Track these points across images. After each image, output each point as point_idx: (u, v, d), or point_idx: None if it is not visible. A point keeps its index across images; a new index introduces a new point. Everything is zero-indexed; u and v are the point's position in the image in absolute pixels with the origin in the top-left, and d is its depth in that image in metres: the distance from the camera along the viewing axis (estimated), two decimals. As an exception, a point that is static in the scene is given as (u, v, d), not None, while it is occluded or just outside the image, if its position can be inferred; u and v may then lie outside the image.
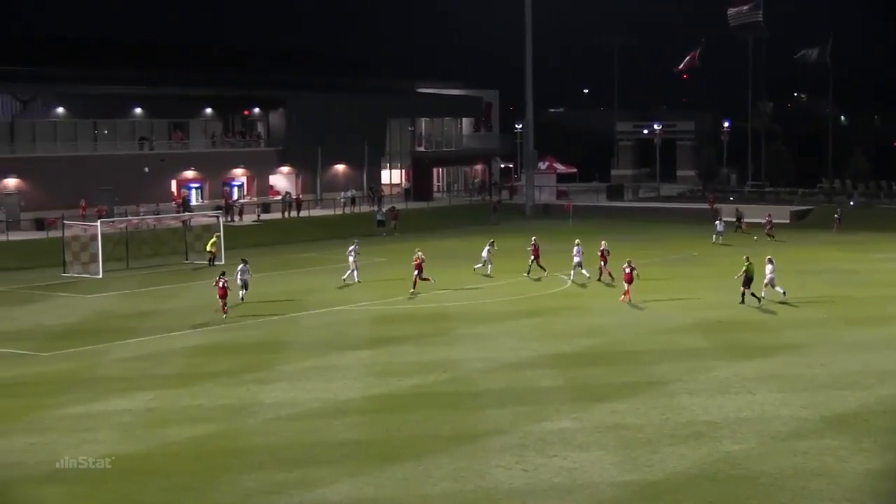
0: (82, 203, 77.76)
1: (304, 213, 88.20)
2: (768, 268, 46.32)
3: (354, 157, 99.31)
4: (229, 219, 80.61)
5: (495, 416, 28.37)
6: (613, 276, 51.06)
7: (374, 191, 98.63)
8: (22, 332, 41.52)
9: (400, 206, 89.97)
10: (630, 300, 46.16)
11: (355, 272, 53.02)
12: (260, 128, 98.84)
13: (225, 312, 43.68)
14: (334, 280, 54.00)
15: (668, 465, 24.36)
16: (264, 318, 44.04)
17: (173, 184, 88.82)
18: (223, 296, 43.69)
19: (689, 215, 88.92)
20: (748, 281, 45.53)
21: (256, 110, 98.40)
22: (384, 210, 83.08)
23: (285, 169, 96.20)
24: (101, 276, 56.18)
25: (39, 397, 31.05)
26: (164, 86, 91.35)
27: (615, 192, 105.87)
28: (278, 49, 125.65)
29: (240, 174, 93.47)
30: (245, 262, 47.80)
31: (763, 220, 74.46)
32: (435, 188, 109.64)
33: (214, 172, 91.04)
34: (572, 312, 44.45)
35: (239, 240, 62.17)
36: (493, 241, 56.73)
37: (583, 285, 51.35)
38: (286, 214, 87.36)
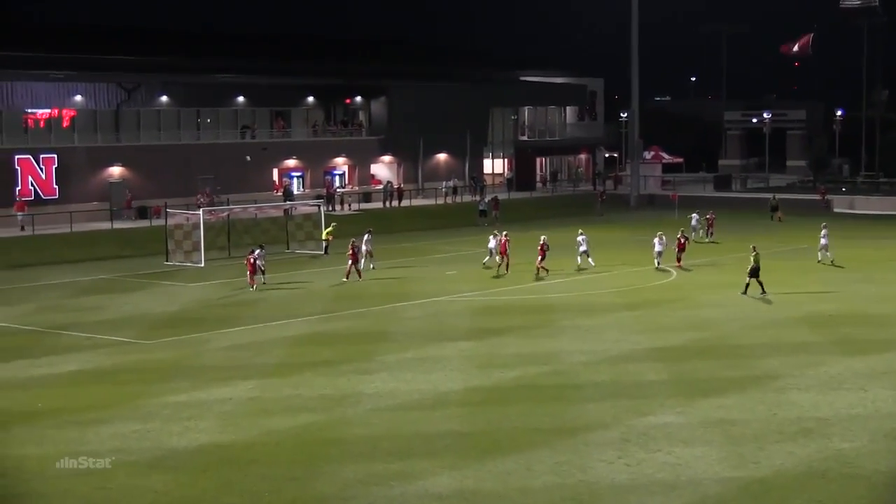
0: (206, 190, 79.40)
1: (405, 203, 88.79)
2: (823, 232, 52.22)
3: (456, 146, 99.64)
4: (330, 208, 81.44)
5: (598, 410, 28.24)
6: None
7: (476, 180, 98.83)
8: (125, 320, 42.37)
9: (502, 196, 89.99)
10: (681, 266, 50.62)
11: (371, 262, 54.09)
12: (361, 117, 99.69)
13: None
14: (435, 270, 54.22)
15: (775, 462, 24.02)
16: (365, 308, 44.37)
17: (275, 173, 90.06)
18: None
19: (799, 207, 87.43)
20: (754, 271, 45.35)
21: (358, 99, 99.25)
22: (486, 200, 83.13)
23: (387, 158, 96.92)
24: (202, 265, 57.05)
25: (142, 385, 31.66)
26: (265, 75, 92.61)
27: (722, 183, 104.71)
28: (380, 38, 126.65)
29: (341, 163, 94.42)
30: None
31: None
32: (538, 178, 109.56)
33: (316, 161, 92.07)
34: (678, 305, 44.06)
35: (340, 229, 62.60)
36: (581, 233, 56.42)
37: (687, 270, 50.83)
38: (387, 204, 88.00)
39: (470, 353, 35.38)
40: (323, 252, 60.11)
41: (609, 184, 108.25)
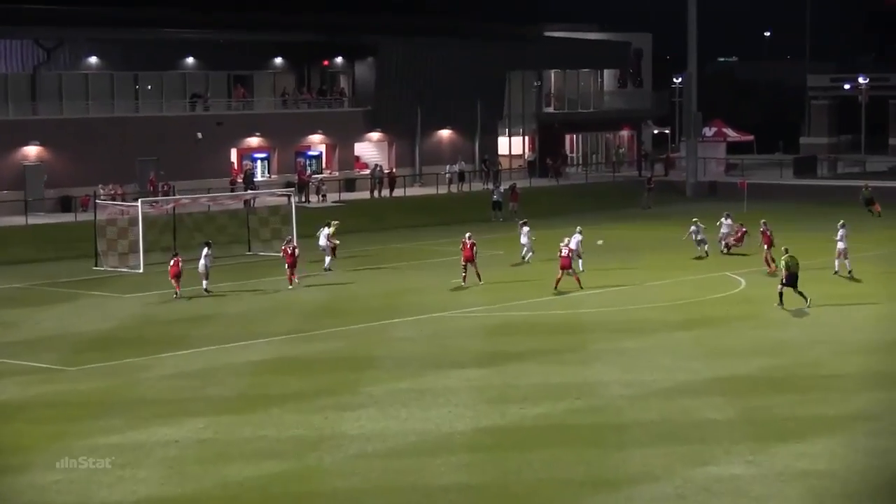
0: (151, 177, 79.47)
1: (398, 192, 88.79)
2: (840, 233, 51.17)
3: (464, 120, 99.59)
4: (303, 199, 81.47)
5: (645, 458, 28.22)
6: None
7: (489, 164, 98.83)
8: (44, 341, 42.36)
9: (522, 183, 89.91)
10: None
11: (328, 257, 56.22)
12: (343, 83, 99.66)
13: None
14: (436, 278, 54.22)
15: (873, 526, 24.04)
16: (347, 326, 44.37)
17: (233, 154, 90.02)
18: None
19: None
20: (790, 278, 45.51)
21: (339, 60, 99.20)
22: (502, 189, 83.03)
23: (375, 136, 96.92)
24: (142, 271, 57.08)
25: (65, 423, 31.64)
26: (221, 29, 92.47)
27: (805, 167, 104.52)
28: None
29: (317, 142, 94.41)
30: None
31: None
32: (568, 160, 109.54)
33: (285, 140, 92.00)
34: (746, 323, 44.02)
35: (315, 226, 62.55)
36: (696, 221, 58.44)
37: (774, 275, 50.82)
38: (376, 194, 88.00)
39: (481, 383, 35.36)
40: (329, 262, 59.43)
41: (658, 168, 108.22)
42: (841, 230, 52.56)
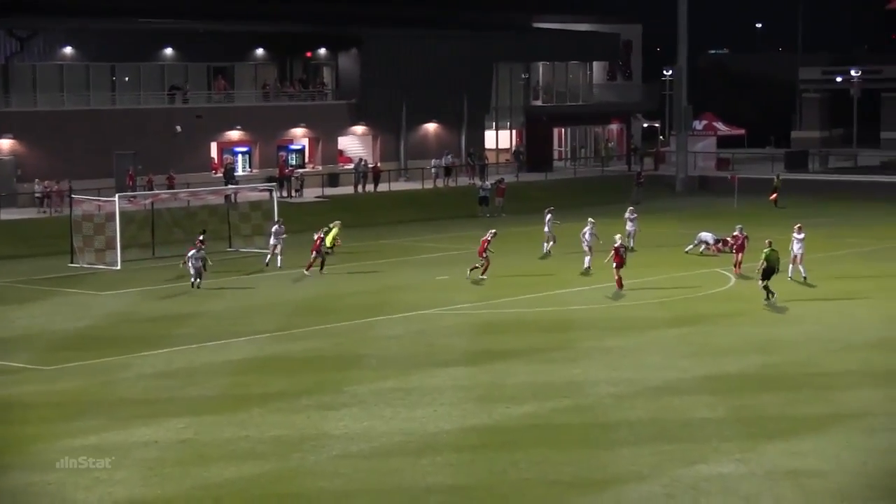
0: (130, 170, 79.31)
1: (382, 187, 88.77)
2: (798, 236, 50.49)
3: (450, 114, 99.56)
4: (285, 194, 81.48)
5: (633, 457, 28.34)
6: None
7: (476, 158, 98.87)
8: (19, 340, 42.36)
9: (509, 178, 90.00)
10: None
11: (279, 256, 56.52)
12: (326, 75, 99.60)
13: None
14: (422, 275, 54.33)
15: (865, 526, 24.21)
16: (331, 323, 44.45)
17: (213, 148, 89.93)
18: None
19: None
20: (768, 271, 45.99)
21: (322, 52, 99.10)
22: (488, 184, 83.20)
23: (359, 129, 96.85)
24: (119, 268, 57.08)
25: (41, 424, 31.65)
26: (201, 20, 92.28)
27: (797, 161, 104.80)
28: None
29: (300, 136, 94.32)
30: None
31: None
32: (556, 154, 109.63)
33: (267, 133, 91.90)
34: (736, 320, 44.18)
35: (299, 221, 62.68)
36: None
37: (747, 277, 50.96)
38: (360, 189, 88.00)
39: (467, 382, 35.46)
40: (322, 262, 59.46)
41: (648, 162, 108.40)
42: (798, 234, 51.32)
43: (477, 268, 52.81)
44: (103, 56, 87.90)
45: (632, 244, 58.13)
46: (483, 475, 27.28)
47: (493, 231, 54.04)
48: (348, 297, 49.91)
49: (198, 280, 50.67)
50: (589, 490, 26.17)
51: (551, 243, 59.62)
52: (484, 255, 52.51)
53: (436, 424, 31.19)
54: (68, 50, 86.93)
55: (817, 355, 38.59)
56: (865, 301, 47.19)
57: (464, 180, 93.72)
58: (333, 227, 57.90)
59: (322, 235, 54.86)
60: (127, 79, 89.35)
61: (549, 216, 59.81)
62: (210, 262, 51.92)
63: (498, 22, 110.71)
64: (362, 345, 40.94)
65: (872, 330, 42.14)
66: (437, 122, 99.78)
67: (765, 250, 46.37)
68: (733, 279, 52.52)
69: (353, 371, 37.03)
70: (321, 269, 54.18)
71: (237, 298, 49.98)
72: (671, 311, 45.93)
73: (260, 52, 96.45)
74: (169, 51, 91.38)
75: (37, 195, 76.05)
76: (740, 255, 52.89)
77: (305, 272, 54.20)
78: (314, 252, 54.09)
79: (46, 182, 76.18)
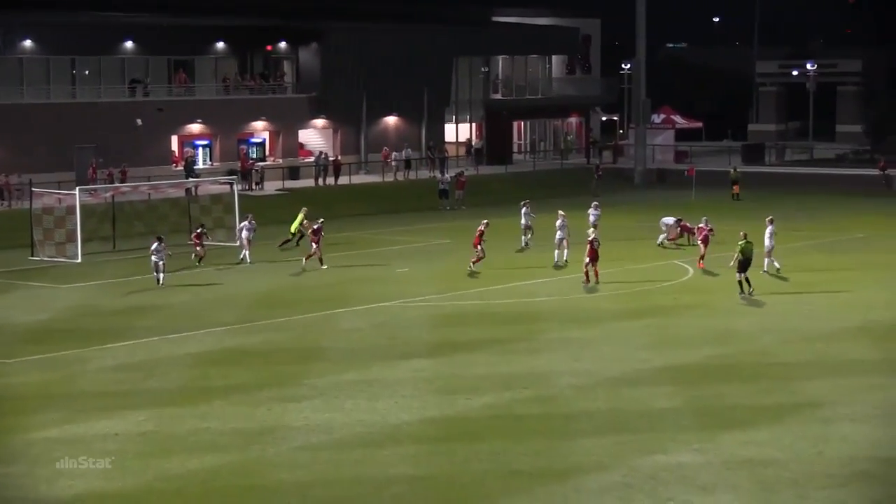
0: (93, 163, 78.94)
1: (343, 180, 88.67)
2: (769, 230, 50.36)
3: (410, 107, 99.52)
4: (246, 187, 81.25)
5: (593, 447, 28.45)
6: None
7: (436, 151, 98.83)
8: (-21, 333, 42.24)
9: (469, 171, 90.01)
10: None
11: (247, 252, 56.37)
12: (287, 68, 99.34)
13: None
14: (383, 267, 54.30)
15: (821, 514, 24.33)
16: (291, 316, 44.38)
17: (174, 141, 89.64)
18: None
19: (854, 184, 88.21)
20: (744, 263, 46.22)
21: (283, 45, 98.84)
22: (448, 177, 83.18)
23: (320, 122, 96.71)
24: (79, 261, 56.83)
25: (2, 417, 31.55)
26: (161, 13, 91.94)
27: (753, 154, 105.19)
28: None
29: (260, 129, 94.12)
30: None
31: None
32: (516, 148, 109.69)
33: (227, 127, 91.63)
34: (694, 311, 44.38)
35: (260, 214, 62.46)
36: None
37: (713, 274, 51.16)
38: (321, 182, 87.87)
39: (428, 374, 35.49)
40: (295, 244, 59.56)
41: (607, 156, 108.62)
42: (769, 227, 51.21)
43: (478, 261, 52.57)
44: (63, 49, 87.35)
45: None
46: (444, 466, 27.34)
47: (486, 221, 53.94)
48: (310, 289, 49.87)
49: (160, 275, 50.03)
50: (549, 480, 26.23)
51: (529, 235, 59.57)
52: (479, 246, 52.53)
53: (396, 416, 31.21)
54: (28, 43, 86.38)
55: (774, 346, 38.77)
56: (822, 292, 47.42)
57: (424, 173, 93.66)
58: (299, 214, 58.51)
59: (318, 227, 54.58)
60: (87, 72, 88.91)
61: (524, 209, 59.73)
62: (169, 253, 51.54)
63: (457, 16, 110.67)
64: (323, 337, 40.93)
65: (828, 321, 42.35)
66: (397, 116, 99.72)
67: (740, 243, 46.40)
68: (691, 271, 52.67)
69: (314, 363, 37.00)
70: (320, 261, 54.07)
71: (199, 291, 49.80)
72: (631, 303, 46.05)
73: (220, 45, 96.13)
74: (129, 44, 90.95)
75: (1, 182, 75.65)
76: (705, 247, 52.53)
77: (306, 262, 53.99)
78: (314, 245, 54.00)
79: (4, 175, 75.77)
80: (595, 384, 34.16)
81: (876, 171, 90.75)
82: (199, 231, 55.87)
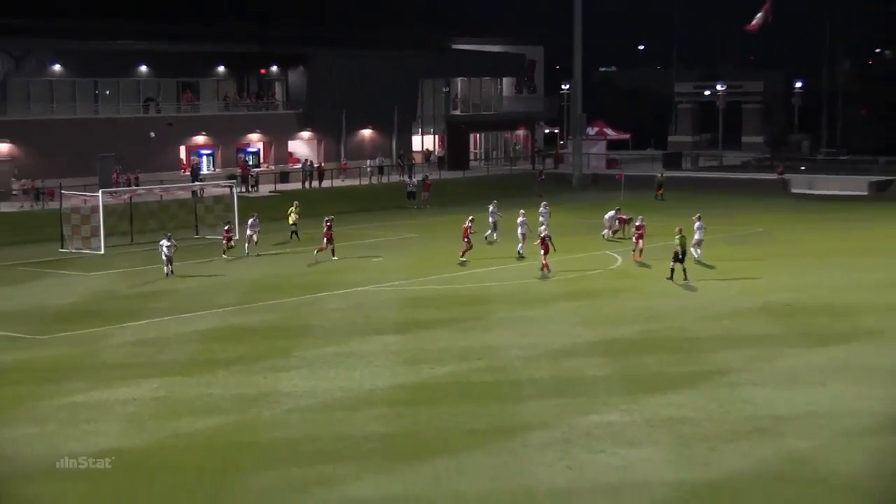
0: (116, 170, 78.73)
1: (326, 184, 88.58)
2: (697, 224, 50.14)
3: (382, 121, 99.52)
4: (244, 189, 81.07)
5: (537, 409, 28.53)
6: None
7: (404, 159, 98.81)
8: (17, 314, 41.97)
9: (433, 175, 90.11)
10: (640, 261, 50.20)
11: (248, 245, 55.72)
12: (278, 88, 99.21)
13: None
14: (361, 258, 54.26)
15: (727, 464, 24.47)
16: (282, 299, 44.31)
17: (182, 150, 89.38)
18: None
19: (756, 186, 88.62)
20: (678, 256, 46.26)
21: (274, 69, 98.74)
22: (415, 180, 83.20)
23: (306, 134, 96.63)
24: (102, 252, 56.60)
25: (37, 385, 31.45)
26: (172, 41, 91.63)
27: (672, 161, 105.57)
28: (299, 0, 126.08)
29: (255, 140, 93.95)
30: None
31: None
32: (472, 156, 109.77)
33: (227, 138, 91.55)
34: (624, 294, 44.44)
35: (256, 212, 62.15)
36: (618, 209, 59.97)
37: (646, 266, 51.29)
38: (307, 185, 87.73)
39: (397, 347, 35.49)
40: (291, 237, 59.44)
41: (549, 162, 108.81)
42: (698, 222, 51.28)
43: (466, 251, 52.21)
44: (87, 72, 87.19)
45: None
46: (411, 425, 27.37)
47: (472, 217, 53.74)
48: (298, 276, 49.79)
49: (169, 266, 49.60)
50: (500, 437, 26.30)
51: (496, 234, 58.60)
52: (467, 239, 52.37)
53: (371, 383, 31.22)
54: (57, 67, 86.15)
55: (689, 323, 38.91)
56: (727, 278, 47.64)
57: (394, 177, 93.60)
58: (292, 209, 59.35)
59: (329, 223, 54.22)
60: (108, 92, 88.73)
61: (492, 208, 59.41)
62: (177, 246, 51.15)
63: (423, 44, 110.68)
64: (309, 316, 40.86)
65: (734, 302, 42.50)
66: (372, 129, 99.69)
67: (676, 237, 46.39)
68: (620, 260, 52.81)
69: (302, 339, 36.96)
70: (332, 253, 53.66)
71: (203, 278, 49.69)
72: (570, 287, 46.12)
73: (221, 69, 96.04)
74: (144, 68, 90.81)
75: (26, 190, 75.26)
76: (640, 242, 51.90)
77: (317, 254, 53.51)
78: (325, 239, 53.55)
79: (37, 180, 75.46)
80: (539, 356, 34.23)
81: (774, 176, 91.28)
82: (227, 227, 55.63)
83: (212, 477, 23.99)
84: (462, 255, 52.10)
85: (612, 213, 60.34)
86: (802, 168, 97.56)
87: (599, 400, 29.23)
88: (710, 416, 27.72)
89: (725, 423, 27.23)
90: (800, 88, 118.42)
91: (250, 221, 56.33)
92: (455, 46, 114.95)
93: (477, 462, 24.63)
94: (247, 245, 55.72)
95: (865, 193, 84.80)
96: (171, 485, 23.56)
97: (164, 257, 49.36)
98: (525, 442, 25.95)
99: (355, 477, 23.79)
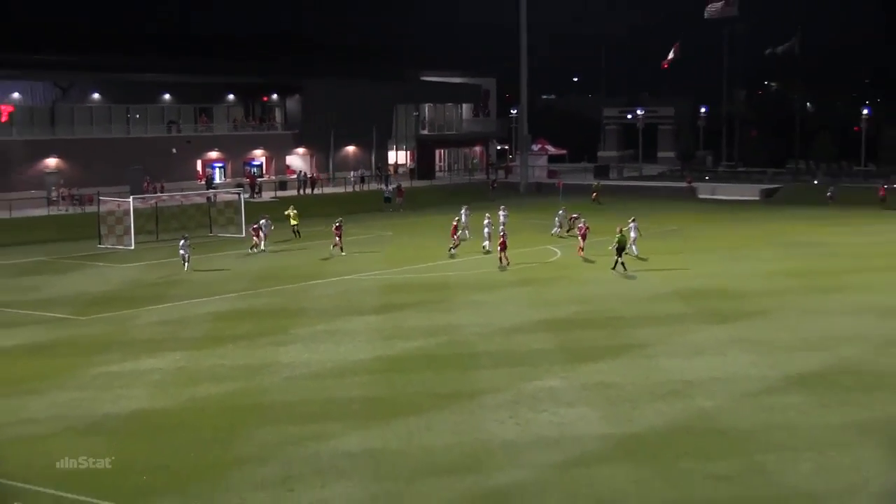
0: (147, 180, 78.45)
1: (318, 191, 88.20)
2: (631, 226, 50.15)
3: (364, 139, 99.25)
4: (250, 195, 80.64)
5: (491, 376, 28.51)
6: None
7: (382, 170, 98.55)
8: (62, 298, 41.63)
9: (405, 184, 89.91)
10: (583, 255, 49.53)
11: (261, 243, 54.54)
12: (278, 112, 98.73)
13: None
14: (347, 252, 54.15)
15: (647, 420, 24.51)
16: (281, 286, 44.13)
17: (199, 163, 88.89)
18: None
19: (669, 193, 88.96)
20: (620, 250, 46.32)
21: (275, 96, 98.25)
22: (391, 188, 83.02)
23: (301, 150, 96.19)
24: (133, 248, 56.27)
25: (78, 357, 31.23)
26: (190, 74, 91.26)
27: (602, 172, 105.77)
28: (298, 39, 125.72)
29: (259, 155, 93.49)
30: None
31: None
32: (437, 168, 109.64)
33: (236, 153, 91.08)
34: (563, 282, 44.49)
35: (259, 215, 61.80)
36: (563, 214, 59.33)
37: (590, 261, 51.31)
38: (302, 192, 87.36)
39: (376, 326, 35.41)
40: (296, 235, 59.08)
41: (500, 173, 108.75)
42: (632, 223, 50.93)
43: (454, 246, 51.95)
44: (120, 100, 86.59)
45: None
46: (387, 390, 27.32)
47: (458, 218, 53.70)
48: (294, 268, 49.60)
49: (186, 263, 48.63)
50: (460, 399, 26.28)
51: (467, 232, 57.37)
52: (455, 236, 52.13)
53: (354, 355, 31.13)
54: (96, 96, 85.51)
55: (617, 305, 38.98)
56: (647, 268, 47.77)
57: (374, 185, 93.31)
58: (291, 211, 59.36)
59: (338, 225, 53.41)
60: (137, 116, 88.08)
61: (464, 210, 59.03)
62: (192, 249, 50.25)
63: (397, 75, 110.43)
64: (303, 300, 40.72)
65: (655, 288, 42.64)
66: (355, 145, 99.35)
67: (617, 235, 46.51)
68: (559, 253, 52.84)
69: (298, 318, 36.83)
70: (340, 249, 52.75)
71: (216, 269, 49.42)
72: (518, 276, 46.16)
73: (231, 97, 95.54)
74: (167, 96, 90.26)
75: (65, 197, 74.72)
76: (584, 240, 51.17)
77: (332, 249, 52.73)
78: (337, 237, 52.62)
79: (76, 188, 75.05)
80: (493, 332, 34.22)
81: (684, 184, 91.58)
82: (255, 226, 54.81)
83: (223, 433, 23.85)
84: (451, 249, 51.99)
85: (561, 212, 60.36)
86: (707, 178, 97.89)
87: (542, 368, 29.24)
88: (632, 381, 27.78)
89: (645, 386, 27.29)
90: (704, 113, 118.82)
91: (263, 222, 55.73)
92: (423, 78, 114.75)
93: (442, 420, 24.58)
94: (261, 242, 55.01)
95: (758, 198, 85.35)
96: (191, 439, 23.42)
97: (181, 253, 48.98)
98: (481, 403, 25.92)
99: (342, 433, 23.69)
